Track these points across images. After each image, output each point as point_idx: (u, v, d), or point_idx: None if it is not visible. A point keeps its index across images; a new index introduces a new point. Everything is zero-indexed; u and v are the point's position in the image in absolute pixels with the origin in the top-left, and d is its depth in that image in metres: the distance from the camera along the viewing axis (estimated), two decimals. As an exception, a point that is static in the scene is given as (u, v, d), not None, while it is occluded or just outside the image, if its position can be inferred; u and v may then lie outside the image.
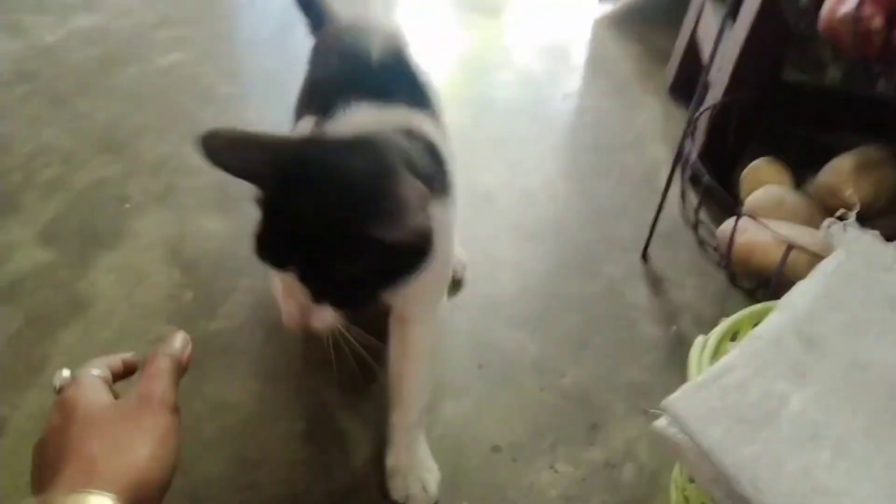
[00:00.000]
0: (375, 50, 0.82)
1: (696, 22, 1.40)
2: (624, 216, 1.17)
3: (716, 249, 1.05)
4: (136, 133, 1.28)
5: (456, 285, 1.01)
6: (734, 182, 1.12)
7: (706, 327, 0.92)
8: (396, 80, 0.79)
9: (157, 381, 0.52)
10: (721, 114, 1.12)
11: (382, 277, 0.62)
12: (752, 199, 1.04)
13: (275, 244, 0.59)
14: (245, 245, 0.61)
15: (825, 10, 0.85)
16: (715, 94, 1.15)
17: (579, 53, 1.69)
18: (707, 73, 0.97)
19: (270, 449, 0.82)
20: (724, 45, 1.05)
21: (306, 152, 0.61)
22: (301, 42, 1.70)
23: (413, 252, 0.61)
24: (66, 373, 0.54)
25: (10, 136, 1.26)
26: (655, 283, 1.05)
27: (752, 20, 1.08)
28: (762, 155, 1.12)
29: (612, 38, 1.70)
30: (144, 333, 0.92)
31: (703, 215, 1.05)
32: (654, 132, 1.37)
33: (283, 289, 0.61)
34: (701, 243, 1.04)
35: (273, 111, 1.37)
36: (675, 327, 0.98)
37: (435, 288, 0.78)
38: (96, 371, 0.54)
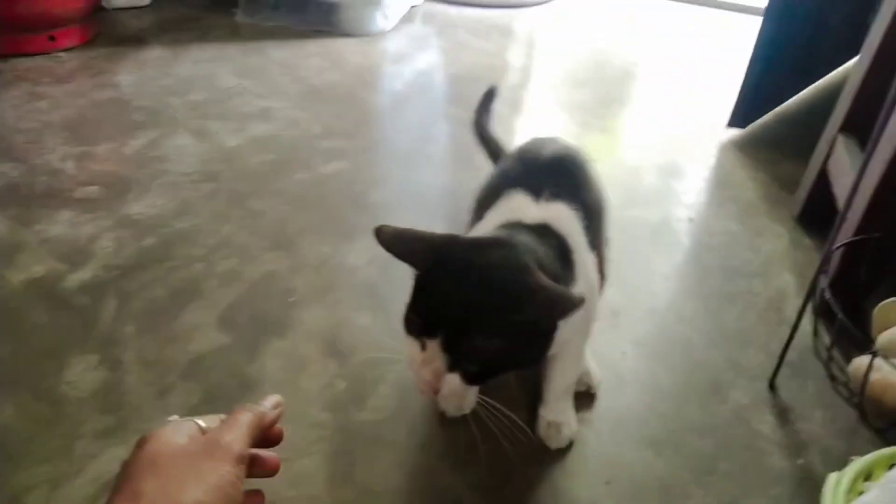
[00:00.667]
0: (546, 156, 0.98)
1: (827, 154, 1.43)
2: (750, 342, 1.19)
3: (846, 385, 1.07)
4: (301, 233, 1.46)
5: (588, 398, 1.07)
6: (864, 315, 1.13)
7: (834, 463, 0.94)
8: (554, 179, 0.94)
9: (230, 429, 0.53)
10: (855, 249, 1.15)
11: (509, 357, 0.76)
12: (885, 339, 1.05)
13: (425, 315, 0.74)
14: (393, 339, 0.73)
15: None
16: (848, 229, 1.18)
17: (701, 175, 1.74)
18: (845, 211, 1.01)
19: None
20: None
21: (454, 246, 0.78)
22: (435, 152, 1.88)
23: (537, 340, 0.77)
24: (173, 419, 0.55)
25: (196, 230, 1.47)
26: (782, 414, 1.06)
27: (889, 157, 1.12)
28: (894, 288, 1.13)
29: (737, 161, 1.75)
30: (302, 417, 1.04)
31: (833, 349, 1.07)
32: (782, 260, 1.40)
33: (418, 359, 0.74)
34: (832, 378, 1.06)
35: (414, 218, 1.52)
36: (801, 461, 0.99)
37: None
38: (202, 421, 0.54)
